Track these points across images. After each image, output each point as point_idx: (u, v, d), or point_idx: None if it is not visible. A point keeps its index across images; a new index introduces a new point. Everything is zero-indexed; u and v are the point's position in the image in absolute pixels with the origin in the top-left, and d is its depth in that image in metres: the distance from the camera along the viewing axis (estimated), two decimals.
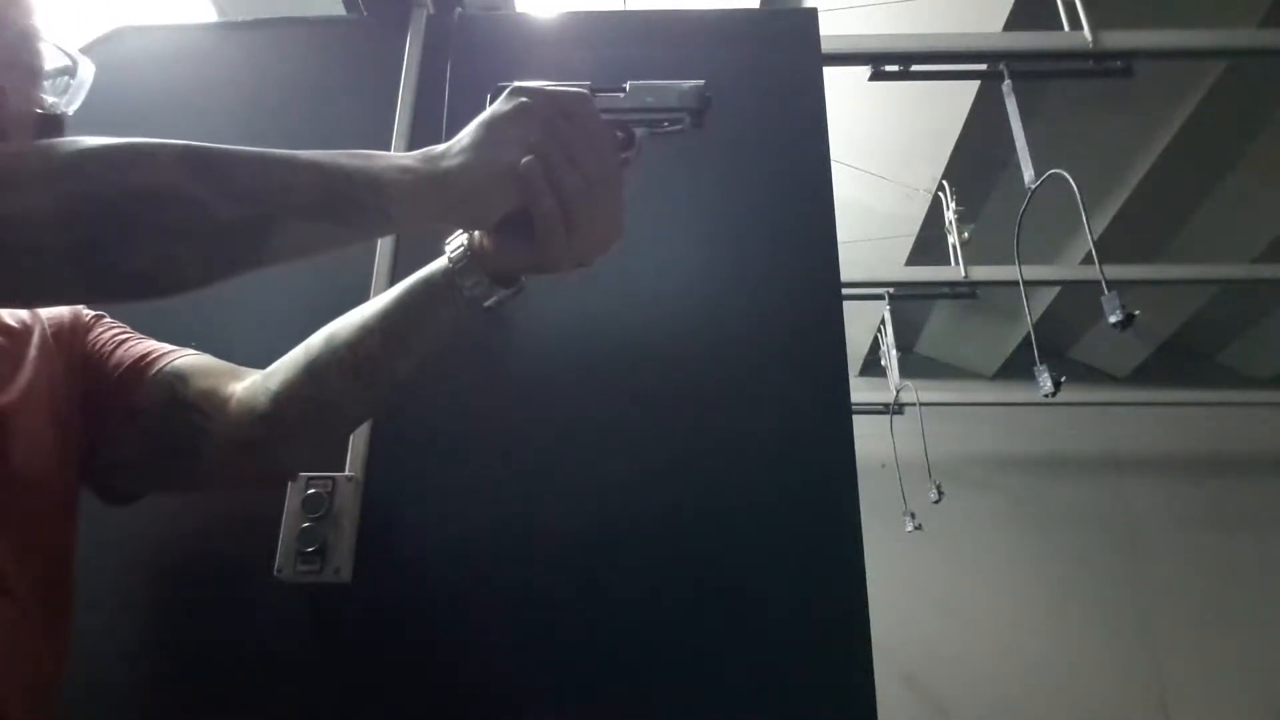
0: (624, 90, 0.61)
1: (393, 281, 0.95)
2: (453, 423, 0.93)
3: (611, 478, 0.90)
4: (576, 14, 1.14)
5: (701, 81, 0.61)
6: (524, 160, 0.55)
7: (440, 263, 0.63)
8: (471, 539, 0.88)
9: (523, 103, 0.56)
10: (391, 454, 0.91)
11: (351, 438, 0.89)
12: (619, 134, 0.60)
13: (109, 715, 0.82)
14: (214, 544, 0.89)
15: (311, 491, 0.84)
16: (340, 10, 1.16)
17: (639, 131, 0.61)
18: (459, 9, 1.13)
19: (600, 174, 0.56)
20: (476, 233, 0.61)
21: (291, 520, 0.84)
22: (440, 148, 0.56)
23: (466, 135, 0.56)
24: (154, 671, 0.85)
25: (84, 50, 0.63)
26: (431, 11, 1.13)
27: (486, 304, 0.62)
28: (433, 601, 0.86)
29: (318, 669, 0.84)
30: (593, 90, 0.60)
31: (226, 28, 1.19)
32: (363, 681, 0.83)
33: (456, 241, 0.62)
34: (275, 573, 0.83)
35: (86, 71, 0.62)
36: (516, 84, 0.57)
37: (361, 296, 0.94)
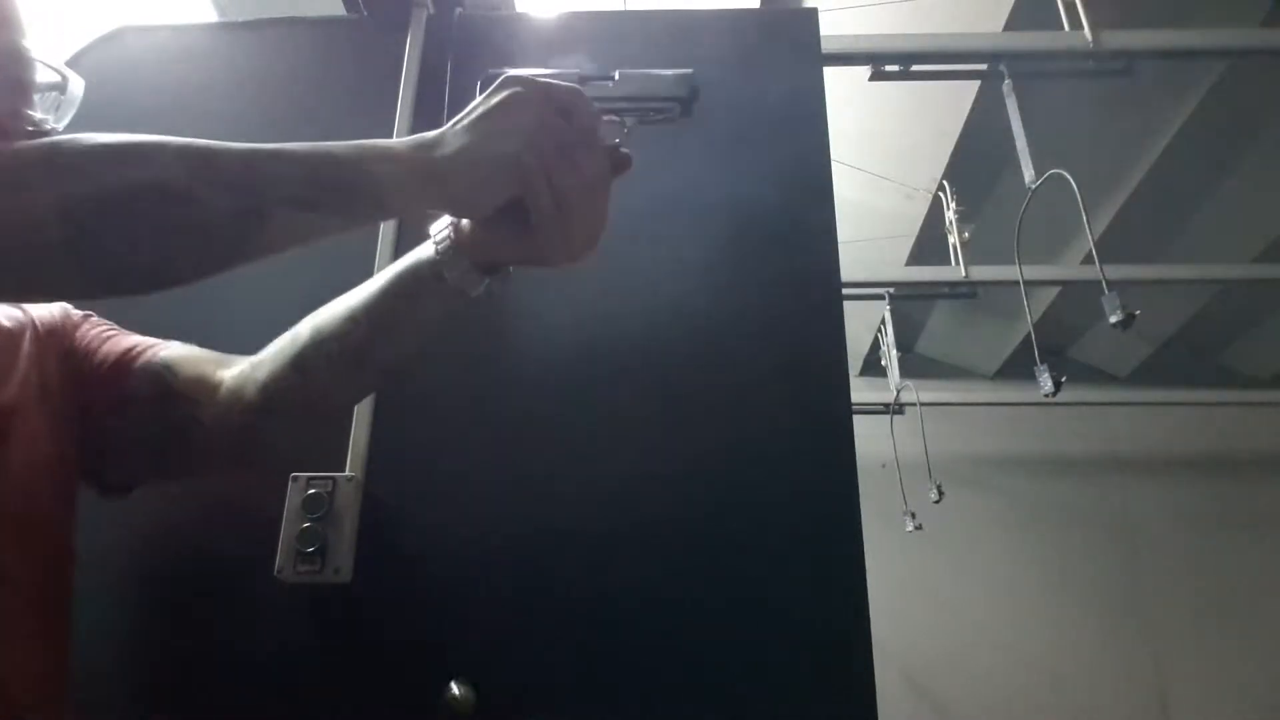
0: (613, 79, 0.61)
1: None
2: (453, 423, 0.93)
3: (611, 478, 0.90)
4: (576, 14, 1.14)
5: (690, 70, 0.62)
6: (523, 156, 0.54)
7: (425, 250, 0.62)
8: (471, 539, 0.88)
9: (517, 92, 0.55)
10: (391, 454, 0.91)
11: (351, 438, 0.89)
12: (610, 122, 0.60)
13: (109, 714, 0.82)
14: (214, 544, 0.89)
15: (311, 491, 0.85)
16: (340, 10, 1.16)
17: (629, 120, 0.61)
18: (459, 9, 1.13)
19: (595, 171, 0.56)
20: (463, 221, 0.61)
21: (291, 520, 0.84)
22: (433, 135, 0.55)
23: (459, 123, 0.55)
24: (154, 671, 0.85)
25: (85, 50, 0.63)
26: (431, 11, 1.13)
27: (473, 294, 0.62)
28: (433, 601, 0.86)
29: (318, 669, 0.84)
30: (582, 80, 0.59)
31: (226, 28, 1.19)
32: (363, 681, 0.83)
33: (443, 232, 0.62)
34: (275, 573, 0.83)
35: (77, 87, 0.63)
36: (510, 73, 0.56)
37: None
